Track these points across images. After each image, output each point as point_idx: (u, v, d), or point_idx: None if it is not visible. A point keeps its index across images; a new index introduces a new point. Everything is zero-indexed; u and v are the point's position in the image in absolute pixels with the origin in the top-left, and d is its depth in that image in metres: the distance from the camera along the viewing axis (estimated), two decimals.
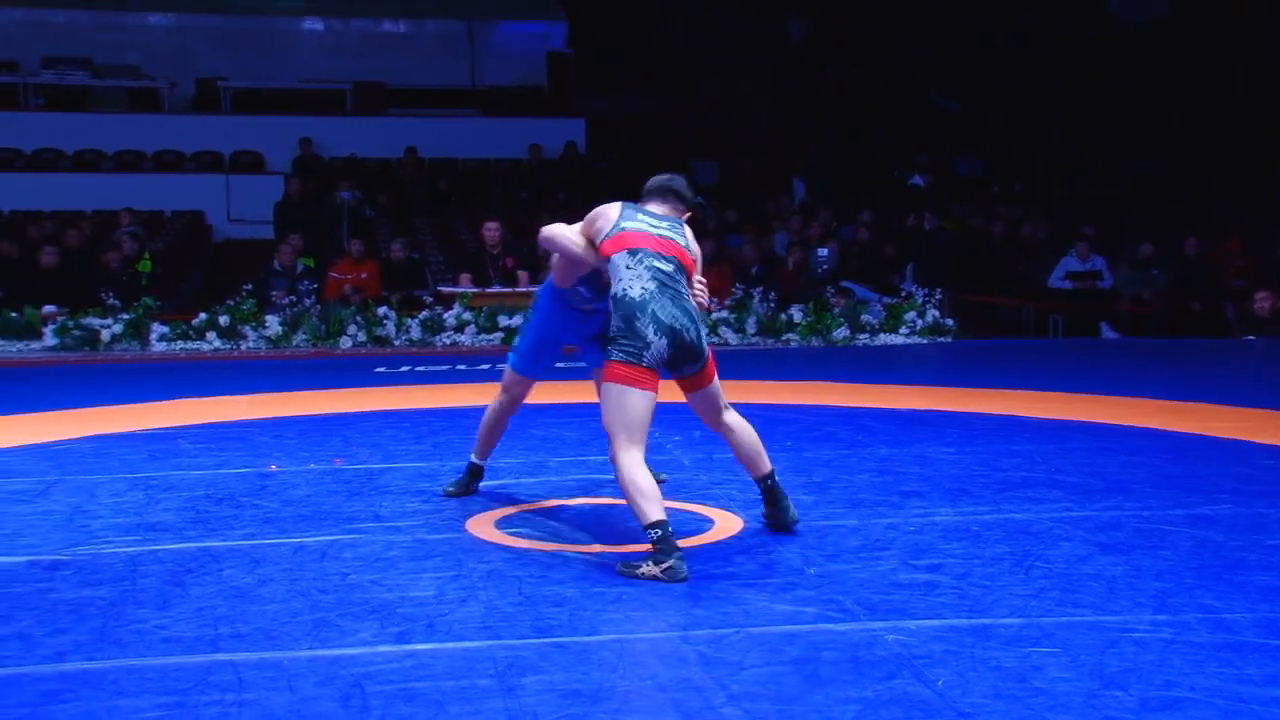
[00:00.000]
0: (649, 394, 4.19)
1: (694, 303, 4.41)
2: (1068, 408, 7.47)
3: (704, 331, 4.40)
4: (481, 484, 5.25)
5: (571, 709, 2.91)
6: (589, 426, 6.59)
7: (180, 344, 11.23)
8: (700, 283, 4.54)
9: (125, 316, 11.27)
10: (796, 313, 11.87)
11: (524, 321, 5.07)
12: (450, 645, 3.34)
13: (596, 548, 4.32)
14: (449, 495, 5.15)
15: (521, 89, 19.37)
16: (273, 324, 11.38)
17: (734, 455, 4.60)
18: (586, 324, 4.88)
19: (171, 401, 7.94)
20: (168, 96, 18.27)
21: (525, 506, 4.97)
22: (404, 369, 9.91)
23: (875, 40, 19.76)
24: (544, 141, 17.45)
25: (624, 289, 4.23)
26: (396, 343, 11.55)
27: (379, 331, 11.52)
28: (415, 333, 11.59)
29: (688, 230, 4.56)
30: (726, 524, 4.65)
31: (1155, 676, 3.07)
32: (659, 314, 4.18)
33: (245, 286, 11.76)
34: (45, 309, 11.34)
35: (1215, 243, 13.89)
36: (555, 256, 4.71)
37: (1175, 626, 3.43)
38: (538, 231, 4.68)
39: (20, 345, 11.12)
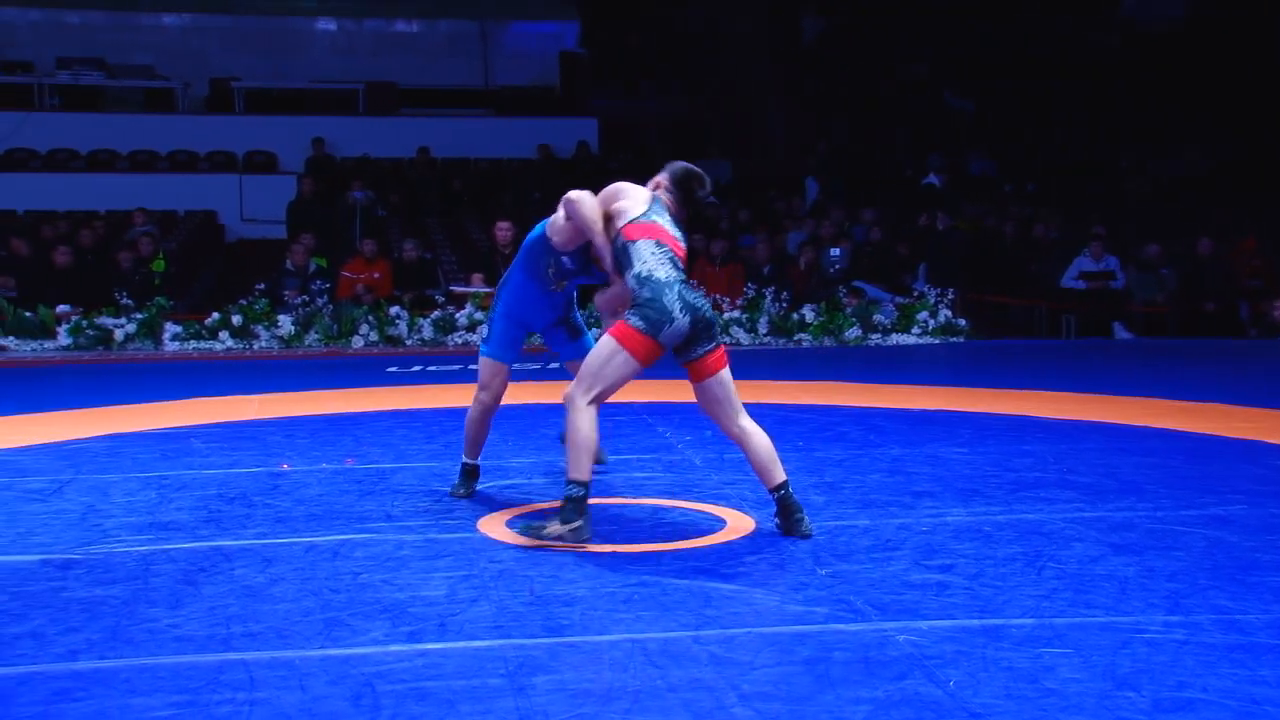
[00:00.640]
0: (639, 366, 4.35)
1: None
2: (1081, 408, 7.45)
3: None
4: (496, 483, 5.25)
5: (583, 708, 2.91)
6: (600, 427, 6.59)
7: (193, 343, 11.27)
8: None
9: (138, 316, 11.31)
10: (808, 312, 11.86)
11: (489, 314, 5.20)
12: (461, 644, 3.35)
13: (607, 548, 4.32)
14: (457, 496, 5.18)
15: (534, 89, 19.38)
16: (285, 323, 11.40)
17: (748, 462, 4.59)
18: (550, 307, 5.05)
19: (184, 401, 7.96)
20: (181, 97, 18.32)
21: (537, 506, 4.97)
22: (416, 369, 9.92)
23: (889, 40, 19.73)
24: (556, 141, 17.45)
25: (649, 270, 4.39)
26: (408, 342, 11.57)
27: (391, 331, 11.54)
28: (427, 332, 11.61)
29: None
30: (738, 524, 4.65)
31: (1168, 677, 3.06)
32: (684, 294, 4.36)
33: (258, 286, 11.79)
34: (59, 309, 11.39)
35: (1230, 243, 13.83)
36: (561, 217, 4.76)
37: (1188, 627, 3.42)
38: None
39: (35, 345, 11.17)
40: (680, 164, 4.86)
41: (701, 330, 4.38)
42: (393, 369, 9.92)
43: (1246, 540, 4.35)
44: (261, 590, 3.83)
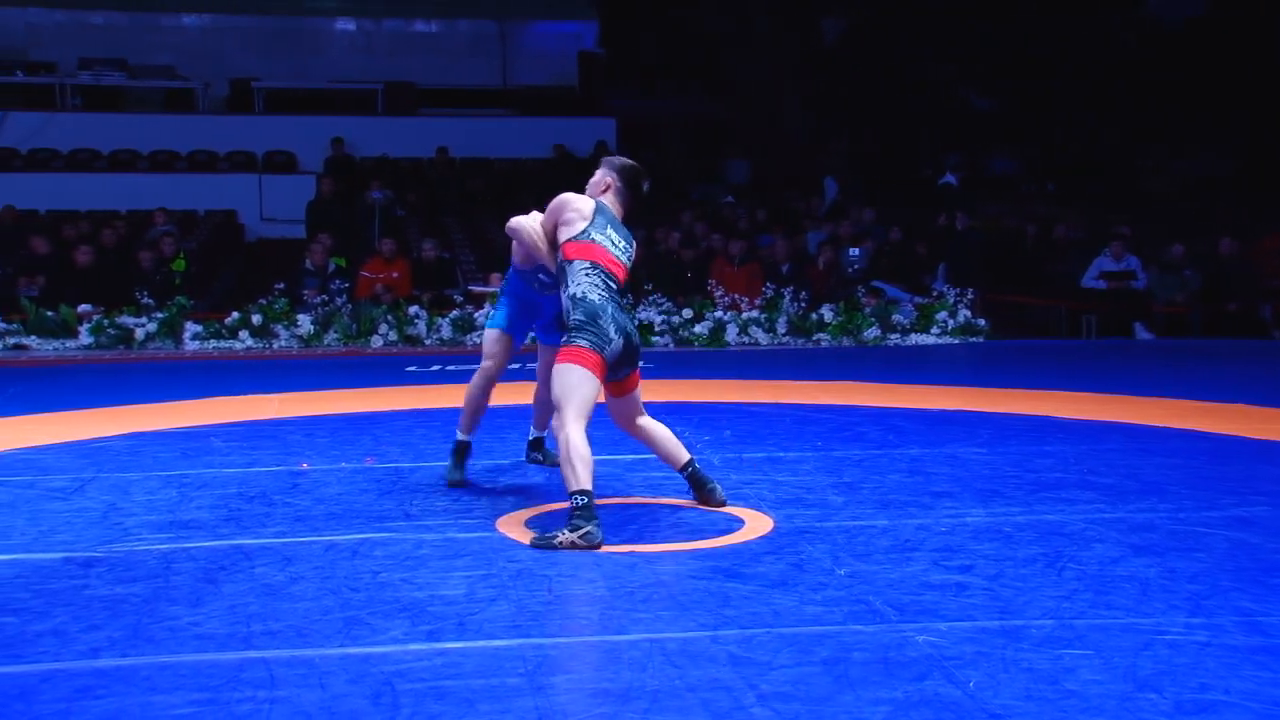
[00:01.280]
0: (597, 381, 4.56)
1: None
2: (1101, 408, 7.42)
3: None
4: (515, 482, 5.27)
5: (601, 708, 2.91)
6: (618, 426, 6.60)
7: (213, 343, 11.31)
8: None
9: (159, 315, 11.36)
10: (827, 312, 11.84)
11: (499, 296, 5.52)
12: (480, 644, 3.35)
13: (625, 547, 4.32)
14: (453, 484, 5.35)
15: (553, 89, 19.38)
16: (304, 323, 11.44)
17: (653, 453, 4.97)
18: (546, 308, 5.27)
19: (204, 400, 7.99)
20: (202, 97, 18.40)
21: (555, 505, 4.97)
22: (435, 368, 9.94)
23: (908, 40, 19.68)
24: (575, 141, 17.46)
25: (583, 291, 4.61)
26: (427, 342, 11.59)
27: (410, 330, 11.57)
28: (446, 332, 11.63)
29: (633, 244, 4.93)
30: (756, 524, 4.64)
31: (1190, 679, 3.04)
32: (615, 317, 4.61)
33: (277, 285, 11.82)
34: (81, 308, 11.44)
35: (1253, 242, 13.75)
36: (514, 243, 5.04)
37: (1210, 629, 3.40)
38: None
39: (56, 344, 11.23)
40: (622, 160, 5.03)
41: (629, 357, 4.66)
42: (412, 368, 9.94)
43: (1269, 542, 4.32)
44: (281, 589, 3.85)
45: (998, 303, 12.98)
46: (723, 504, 4.87)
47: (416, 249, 13.80)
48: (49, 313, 11.35)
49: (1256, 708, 2.86)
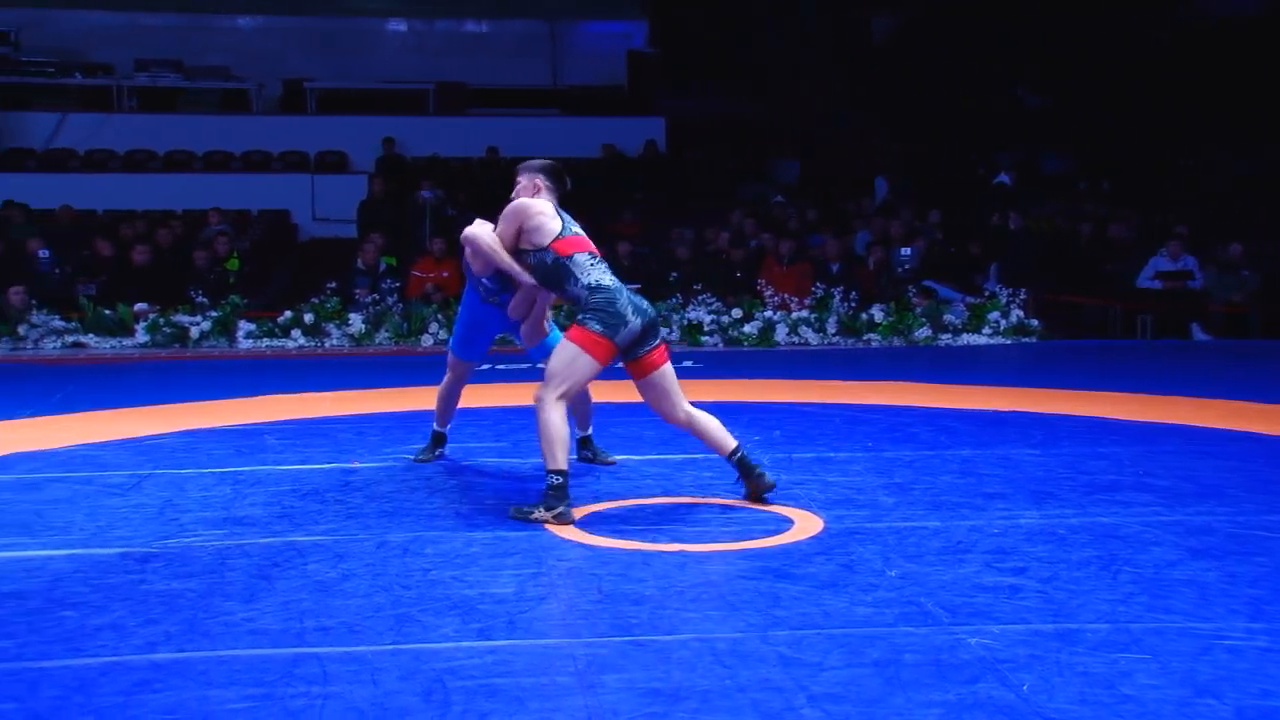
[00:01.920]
0: (598, 365, 4.71)
1: None
2: (1158, 410, 7.33)
3: None
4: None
5: (651, 708, 2.91)
6: (669, 425, 6.59)
7: (266, 341, 11.42)
8: None
9: (213, 314, 11.49)
10: (878, 312, 11.77)
11: (457, 315, 5.88)
12: (530, 642, 3.36)
13: (675, 547, 4.32)
14: (420, 461, 5.84)
15: (602, 88, 19.39)
16: (356, 322, 11.52)
17: (702, 443, 5.03)
18: (497, 319, 5.58)
19: (258, 398, 8.07)
20: (255, 97, 18.57)
21: (605, 505, 4.98)
22: (484, 367, 9.97)
23: (960, 37, 19.51)
24: (624, 141, 17.46)
25: (596, 279, 4.79)
26: None
27: None
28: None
29: None
30: (807, 524, 4.63)
31: (1250, 685, 2.99)
32: (633, 299, 4.79)
33: (329, 285, 11.92)
34: (137, 306, 11.59)
35: None
36: (469, 251, 5.21)
37: (1272, 634, 3.35)
38: (463, 232, 5.20)
39: (114, 342, 11.38)
40: (539, 162, 5.29)
41: (648, 330, 4.78)
42: None
43: None
44: (334, 585, 3.88)
45: (1051, 303, 12.85)
46: (772, 487, 4.95)
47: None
48: (107, 311, 11.50)
49: None
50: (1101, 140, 18.41)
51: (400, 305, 11.86)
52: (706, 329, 11.59)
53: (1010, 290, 12.03)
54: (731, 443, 4.98)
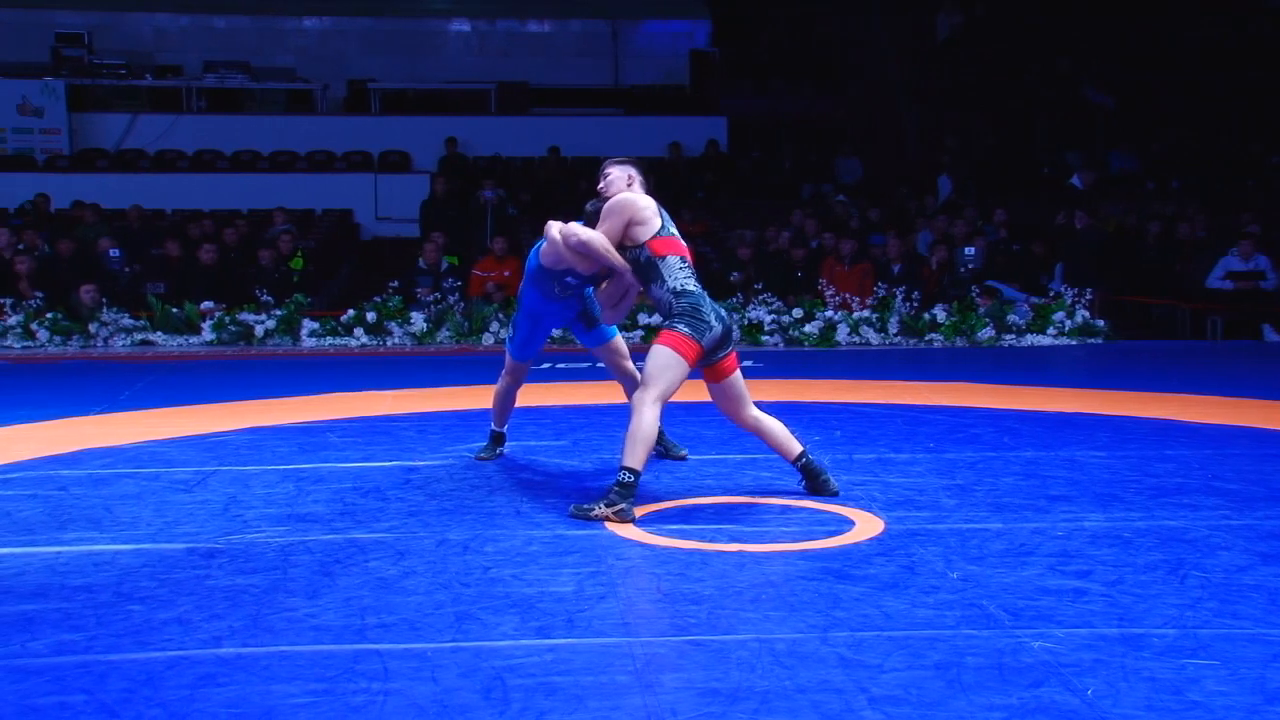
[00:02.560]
0: (689, 369, 4.82)
1: None
2: (1228, 412, 7.20)
3: None
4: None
5: (710, 708, 2.90)
6: (728, 425, 6.56)
7: (329, 339, 11.53)
8: None
9: (278, 312, 11.62)
10: (940, 312, 11.67)
11: (514, 315, 5.90)
12: (589, 641, 3.37)
13: (734, 546, 4.31)
14: (480, 459, 5.87)
15: (664, 87, 19.40)
16: (418, 321, 11.60)
17: (768, 446, 5.11)
18: (567, 308, 5.59)
19: (321, 396, 8.16)
20: (320, 98, 18.78)
21: (664, 504, 4.97)
22: (545, 366, 10.01)
23: (1025, 35, 19.29)
24: (686, 140, 17.46)
25: (681, 284, 4.88)
26: None
27: None
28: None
29: None
30: (868, 525, 4.60)
31: None
32: (715, 305, 4.90)
33: (391, 284, 12.01)
34: (204, 305, 11.76)
35: None
36: (559, 248, 5.13)
37: None
38: (560, 228, 5.18)
39: (180, 340, 11.55)
40: (624, 157, 5.35)
41: (726, 339, 4.89)
42: None
43: None
44: (394, 582, 3.91)
45: (1118, 303, 12.66)
46: (836, 494, 5.01)
47: (528, 248, 13.90)
48: (174, 309, 11.68)
49: None
50: (1170, 138, 18.11)
51: (461, 304, 11.93)
52: (767, 328, 11.55)
53: (1075, 290, 11.87)
54: (797, 447, 5.06)
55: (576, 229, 5.07)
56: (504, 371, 5.88)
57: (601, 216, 5.03)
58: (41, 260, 12.59)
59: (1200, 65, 18.53)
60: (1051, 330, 11.62)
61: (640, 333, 11.20)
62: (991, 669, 3.12)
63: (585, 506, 4.71)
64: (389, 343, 11.55)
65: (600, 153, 17.80)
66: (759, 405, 5.14)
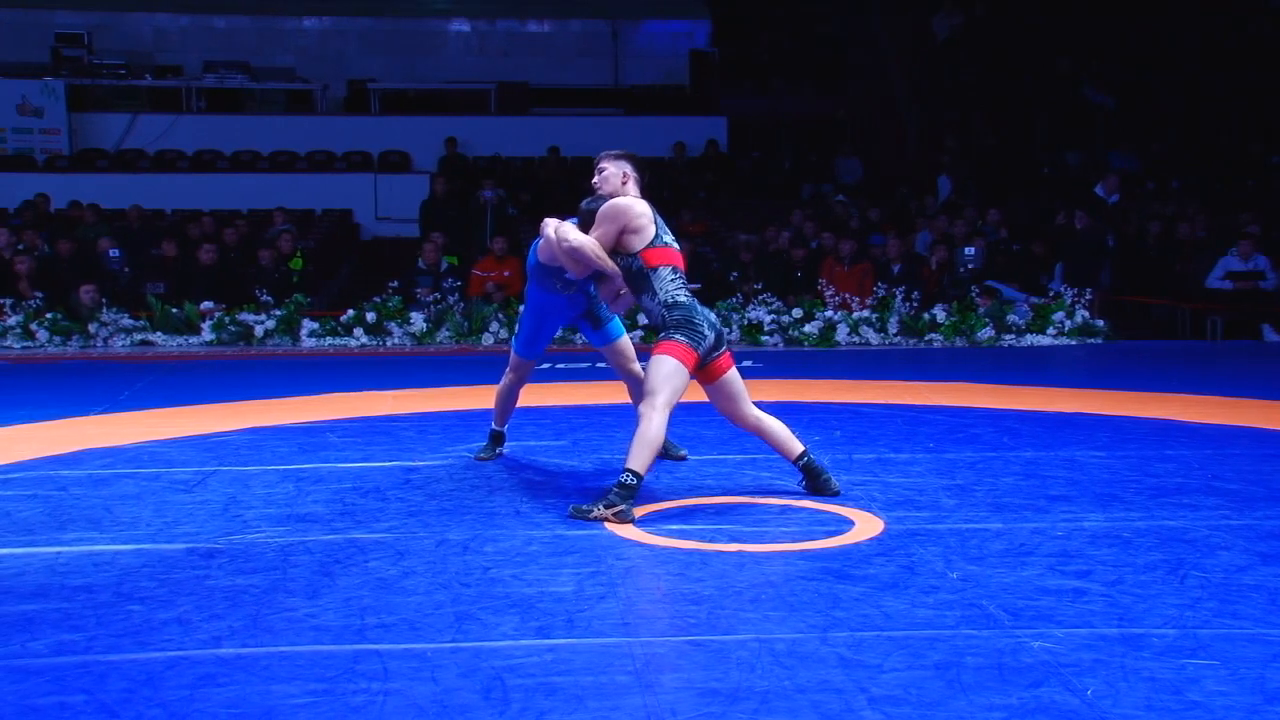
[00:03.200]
0: (689, 375, 4.85)
1: None
2: (1228, 412, 7.20)
3: None
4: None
5: (710, 708, 2.90)
6: (728, 425, 6.56)
7: (329, 339, 11.53)
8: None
9: (277, 313, 11.62)
10: (940, 312, 11.67)
11: (520, 314, 5.95)
12: (589, 641, 3.37)
13: (734, 547, 4.31)
14: (480, 460, 5.87)
15: (664, 87, 19.41)
16: (417, 321, 11.60)
17: (769, 446, 5.12)
18: (573, 305, 5.61)
19: (320, 396, 8.16)
20: (320, 98, 18.78)
21: (664, 504, 4.97)
22: (544, 366, 10.01)
23: (1025, 35, 19.28)
24: (686, 140, 17.47)
25: (673, 296, 4.90)
26: None
27: None
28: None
29: None
30: (867, 525, 4.60)
31: None
32: (707, 314, 4.93)
33: (391, 284, 12.01)
34: (204, 305, 11.76)
35: None
36: (555, 250, 5.14)
37: None
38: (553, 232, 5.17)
39: (180, 340, 11.55)
40: (623, 151, 5.35)
41: (717, 344, 4.93)
42: None
43: None
44: (394, 582, 3.91)
45: (1117, 303, 12.66)
46: (837, 494, 5.02)
47: (528, 248, 13.88)
48: (174, 310, 11.68)
49: None
50: (1170, 138, 18.12)
51: (461, 304, 11.93)
52: (767, 329, 11.55)
53: (1075, 290, 11.87)
54: (798, 447, 5.07)
55: (569, 233, 5.06)
56: (508, 368, 5.90)
57: (596, 220, 5.00)
58: (41, 260, 12.59)
59: (1200, 65, 18.52)
60: (1051, 330, 11.63)
61: (640, 333, 11.20)
62: (991, 669, 3.12)
63: (585, 507, 4.72)
64: (389, 343, 11.55)
65: (600, 153, 17.82)
66: (759, 406, 5.13)
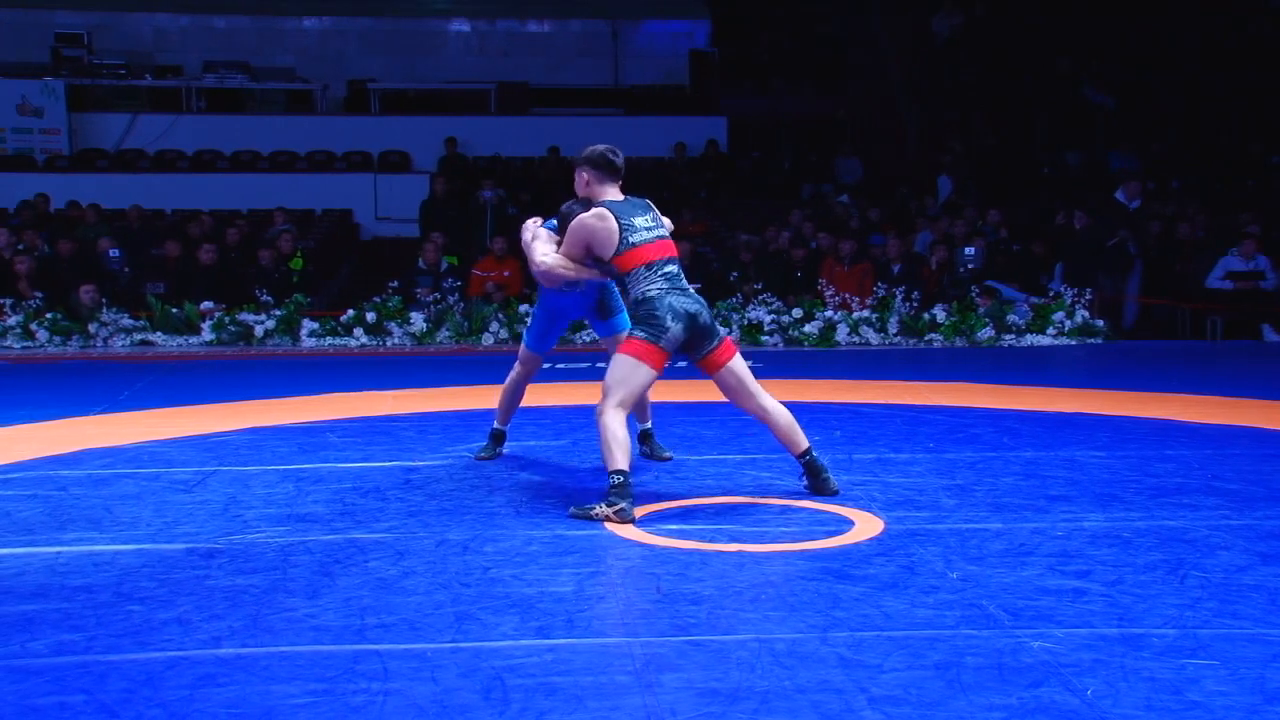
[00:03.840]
0: (654, 372, 4.85)
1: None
2: (1228, 412, 7.20)
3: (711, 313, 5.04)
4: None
5: (710, 708, 2.90)
6: (728, 425, 6.58)
7: (329, 339, 11.53)
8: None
9: (277, 313, 11.62)
10: (940, 312, 11.67)
11: (533, 308, 6.05)
12: (589, 641, 3.37)
13: (734, 546, 4.31)
14: (480, 459, 5.88)
15: (664, 87, 19.41)
16: (417, 321, 11.60)
17: (775, 438, 5.09)
18: (584, 298, 5.65)
19: (320, 396, 8.16)
20: (320, 98, 18.78)
21: (664, 504, 4.97)
22: (545, 366, 10.01)
23: (1025, 35, 19.28)
24: (686, 140, 17.48)
25: (642, 291, 4.89)
26: None
27: (520, 328, 11.65)
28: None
29: (655, 210, 5.17)
30: (867, 525, 4.60)
31: None
32: (674, 304, 4.84)
33: (391, 284, 12.01)
34: (204, 305, 11.76)
35: None
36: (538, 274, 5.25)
37: None
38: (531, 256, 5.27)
39: (180, 340, 11.55)
40: (587, 152, 5.34)
41: (700, 331, 4.88)
42: None
43: None
44: (394, 583, 3.91)
45: (1117, 303, 12.66)
46: (836, 493, 5.02)
47: None
48: (174, 310, 11.68)
49: None
50: (1170, 138, 18.11)
51: (461, 304, 11.93)
52: (767, 329, 11.55)
53: (1075, 290, 11.87)
54: (804, 443, 5.08)
55: (537, 255, 5.17)
56: (518, 361, 5.95)
57: (565, 235, 5.12)
58: (41, 260, 12.59)
59: (1200, 65, 18.52)
60: (1051, 330, 11.63)
61: None
62: (991, 669, 3.12)
63: (585, 507, 4.73)
64: (389, 343, 11.55)
65: None
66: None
